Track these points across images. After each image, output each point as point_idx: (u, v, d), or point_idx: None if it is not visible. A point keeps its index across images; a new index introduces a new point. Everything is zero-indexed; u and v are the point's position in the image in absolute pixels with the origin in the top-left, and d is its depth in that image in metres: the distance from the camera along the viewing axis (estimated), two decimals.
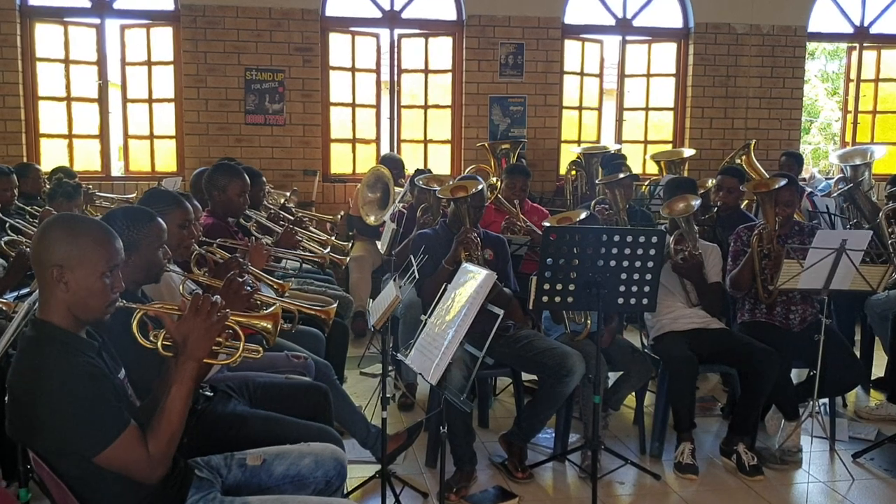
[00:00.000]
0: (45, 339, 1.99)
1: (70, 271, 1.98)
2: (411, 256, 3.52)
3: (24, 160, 7.10)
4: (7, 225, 4.58)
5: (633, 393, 4.32)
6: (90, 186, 6.28)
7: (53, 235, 2.02)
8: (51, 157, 7.65)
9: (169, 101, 7.78)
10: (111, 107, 7.88)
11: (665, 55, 8.67)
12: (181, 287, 2.95)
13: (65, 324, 2.01)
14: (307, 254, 4.44)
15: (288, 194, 6.62)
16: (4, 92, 7.34)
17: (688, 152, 7.74)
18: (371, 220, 6.28)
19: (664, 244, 3.53)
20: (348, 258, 5.03)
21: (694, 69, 8.49)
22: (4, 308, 3.15)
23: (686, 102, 8.61)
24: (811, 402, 3.91)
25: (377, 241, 5.71)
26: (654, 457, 4.09)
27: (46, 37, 7.59)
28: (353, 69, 8.07)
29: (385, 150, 8.13)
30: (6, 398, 1.97)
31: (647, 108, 8.77)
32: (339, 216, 6.42)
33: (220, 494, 2.26)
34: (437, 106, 8.29)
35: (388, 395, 3.27)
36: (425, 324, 2.86)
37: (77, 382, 1.90)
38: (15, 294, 3.39)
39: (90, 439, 1.90)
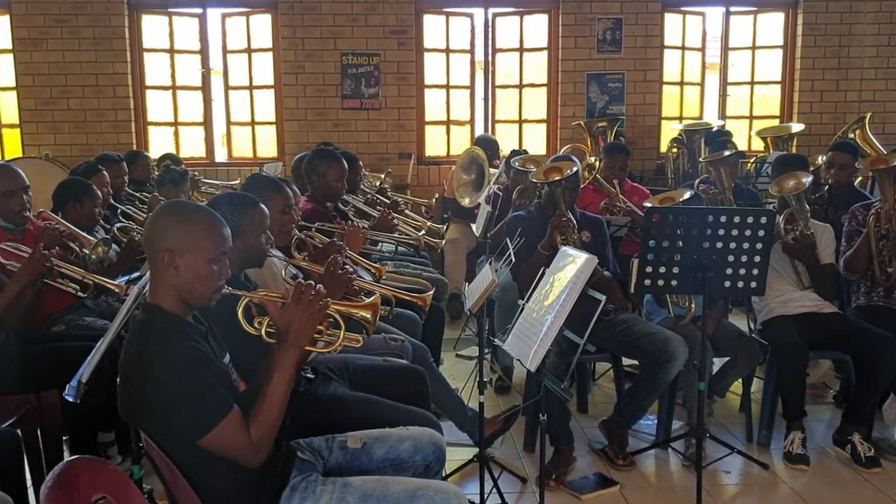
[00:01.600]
0: (155, 322, 2.04)
1: (180, 256, 2.03)
2: (507, 239, 3.48)
3: (134, 148, 7.41)
4: (119, 211, 4.77)
5: (740, 379, 4.17)
6: (196, 173, 6.49)
7: (165, 221, 2.08)
8: (158, 144, 7.97)
9: (268, 87, 7.96)
10: (214, 94, 8.12)
11: (772, 26, 8.30)
12: (283, 272, 3.00)
13: (173, 308, 2.06)
14: (403, 237, 4.46)
15: (383, 176, 6.66)
16: (115, 82, 7.67)
17: (796, 127, 7.41)
18: (466, 202, 6.26)
19: (774, 224, 3.37)
20: (444, 241, 5.02)
21: (803, 40, 8.09)
22: (117, 291, 3.29)
23: (794, 75, 8.23)
24: None
25: (472, 224, 5.68)
26: (761, 446, 3.94)
27: (152, 28, 7.88)
28: (447, 50, 8.06)
29: (479, 131, 8.10)
30: (118, 379, 2.05)
31: (752, 82, 8.44)
32: (434, 199, 6.43)
33: (322, 476, 2.28)
34: (532, 85, 8.19)
35: (484, 380, 3.25)
36: (523, 309, 2.81)
37: (183, 366, 1.95)
38: (126, 277, 3.53)
39: (194, 422, 1.94)
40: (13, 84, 7.68)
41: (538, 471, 2.94)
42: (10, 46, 7.61)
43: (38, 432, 3.17)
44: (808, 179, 3.99)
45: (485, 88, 8.24)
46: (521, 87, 8.20)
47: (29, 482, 2.97)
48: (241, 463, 2.02)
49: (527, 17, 8.08)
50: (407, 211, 5.28)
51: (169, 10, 7.86)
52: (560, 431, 3.60)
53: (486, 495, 3.15)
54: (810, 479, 3.63)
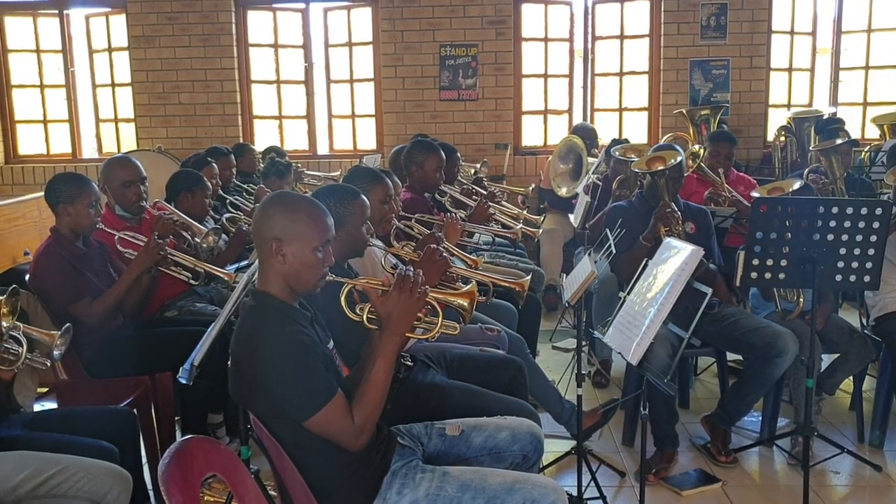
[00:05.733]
0: (263, 308, 2.12)
1: (287, 245, 2.11)
2: (607, 230, 3.43)
3: (241, 140, 7.65)
4: (228, 202, 4.94)
5: (851, 377, 3.99)
6: (299, 165, 6.66)
7: (272, 211, 2.16)
8: (263, 137, 8.20)
9: (368, 80, 8.07)
10: (316, 88, 8.30)
11: (890, 7, 7.85)
12: (383, 261, 3.05)
13: (281, 295, 2.14)
14: (499, 228, 4.45)
15: (478, 166, 6.66)
16: (222, 77, 7.94)
17: None
18: (563, 191, 6.21)
19: (889, 215, 3.20)
20: (540, 231, 4.99)
21: None
22: (226, 279, 3.42)
23: None
24: None
25: (569, 214, 5.63)
26: (873, 447, 3.77)
27: (257, 23, 8.10)
28: (545, 39, 7.98)
29: (577, 120, 7.98)
30: (229, 363, 2.13)
31: (866, 67, 8.01)
32: (531, 189, 6.39)
33: (422, 462, 2.32)
34: (633, 72, 8.03)
35: (582, 372, 3.22)
36: (624, 301, 2.77)
37: (291, 349, 2.02)
38: (235, 266, 3.66)
39: (301, 404, 2.01)
40: (128, 80, 8.05)
41: (637, 465, 2.90)
42: (125, 44, 7.97)
43: (153, 412, 3.34)
44: None
45: (584, 77, 8.12)
46: (621, 74, 8.05)
47: (144, 459, 3.13)
48: (344, 445, 2.07)
49: (627, 4, 7.91)
50: (503, 202, 5.26)
51: (273, 5, 8.06)
52: (666, 433, 3.54)
53: (583, 488, 3.12)
54: None
